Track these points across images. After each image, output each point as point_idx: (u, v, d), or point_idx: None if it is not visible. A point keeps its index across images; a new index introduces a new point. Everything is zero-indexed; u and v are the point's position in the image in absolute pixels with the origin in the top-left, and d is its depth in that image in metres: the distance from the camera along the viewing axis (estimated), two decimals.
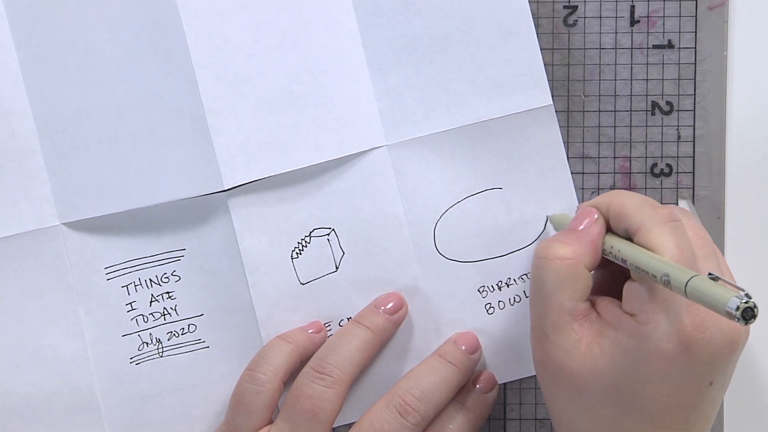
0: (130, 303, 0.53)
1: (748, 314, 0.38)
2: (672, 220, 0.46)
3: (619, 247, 0.47)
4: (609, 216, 0.48)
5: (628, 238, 0.47)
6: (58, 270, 0.53)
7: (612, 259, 0.47)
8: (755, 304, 0.38)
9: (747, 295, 0.39)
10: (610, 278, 0.49)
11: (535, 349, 0.48)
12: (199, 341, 0.54)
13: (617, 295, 0.47)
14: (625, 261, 0.46)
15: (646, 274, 0.44)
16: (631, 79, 0.55)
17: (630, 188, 0.55)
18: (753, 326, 0.56)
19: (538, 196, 0.53)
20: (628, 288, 0.46)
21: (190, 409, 0.54)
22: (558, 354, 0.46)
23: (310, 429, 0.49)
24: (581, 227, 0.48)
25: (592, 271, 0.48)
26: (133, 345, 0.53)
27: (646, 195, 0.55)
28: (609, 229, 0.49)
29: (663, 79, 0.55)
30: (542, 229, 0.54)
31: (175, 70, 0.52)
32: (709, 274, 0.41)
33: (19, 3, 0.52)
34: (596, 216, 0.49)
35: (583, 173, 0.55)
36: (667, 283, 0.42)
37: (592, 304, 0.47)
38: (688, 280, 0.41)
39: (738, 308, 0.38)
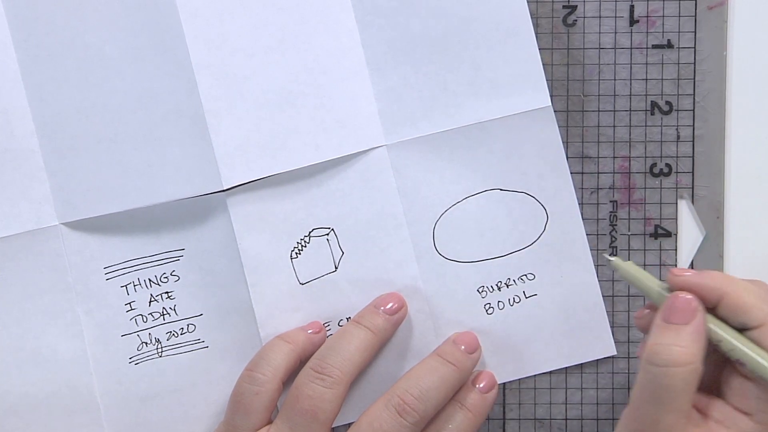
0: (130, 303, 0.53)
1: None
2: None
3: (734, 347, 0.44)
4: (719, 304, 0.46)
5: (741, 328, 0.45)
6: (58, 270, 0.53)
7: (723, 353, 0.45)
8: None
9: None
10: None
11: None
12: (198, 341, 0.54)
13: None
14: (742, 364, 0.44)
15: None
16: (631, 79, 0.55)
17: (629, 188, 0.55)
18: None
19: (538, 196, 0.53)
20: (742, 384, 0.44)
21: (190, 409, 0.54)
22: None
23: (309, 429, 0.49)
24: (688, 322, 0.46)
25: None
26: (133, 345, 0.53)
27: (645, 195, 0.55)
28: (711, 312, 0.47)
29: (662, 79, 0.55)
30: (542, 229, 0.54)
31: (174, 70, 0.52)
32: None
33: (19, 3, 0.52)
34: (696, 305, 0.46)
35: (582, 173, 0.55)
36: None
37: (701, 401, 0.46)
38: None
39: None
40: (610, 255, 0.52)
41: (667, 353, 0.45)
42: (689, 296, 0.46)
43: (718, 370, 0.46)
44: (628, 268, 0.48)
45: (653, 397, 0.45)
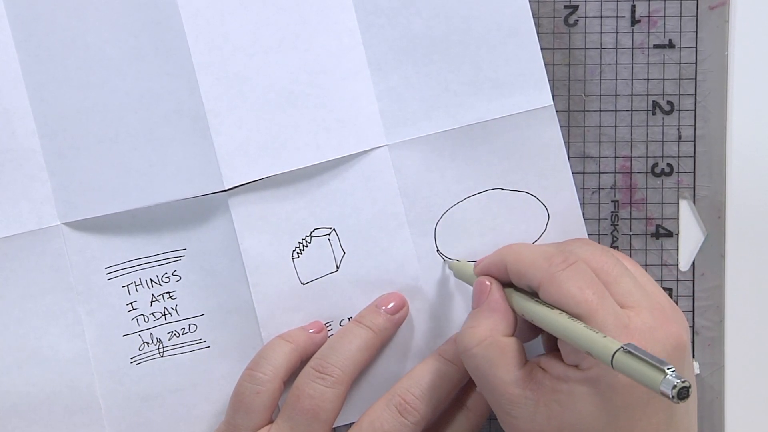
0: (131, 303, 0.53)
1: (684, 393, 0.38)
2: (569, 264, 0.46)
3: (532, 317, 0.46)
4: (509, 274, 0.48)
5: (533, 291, 0.47)
6: (59, 270, 0.53)
7: (531, 322, 0.47)
8: (688, 381, 0.38)
9: (672, 369, 0.38)
10: None
11: (506, 429, 0.48)
12: (199, 341, 0.54)
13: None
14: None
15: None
16: (632, 79, 0.55)
17: (631, 187, 0.55)
18: (756, 328, 0.56)
19: (539, 196, 0.53)
20: (561, 343, 0.46)
21: (191, 409, 0.54)
22: (525, 425, 0.46)
23: (310, 429, 0.49)
24: (483, 302, 0.48)
25: (517, 332, 0.48)
26: (134, 345, 0.53)
27: (646, 195, 0.55)
28: (513, 286, 0.49)
29: (664, 79, 0.55)
30: (543, 229, 0.54)
31: (175, 70, 0.52)
32: (623, 347, 0.40)
33: (19, 3, 0.52)
34: (489, 284, 0.49)
35: (584, 173, 0.55)
36: (592, 356, 0.42)
37: (536, 363, 0.47)
38: (612, 361, 0.41)
39: (674, 387, 0.38)
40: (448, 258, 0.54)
41: (462, 339, 0.48)
42: (481, 278, 0.49)
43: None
44: (458, 267, 0.52)
45: (475, 379, 0.48)
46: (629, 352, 0.40)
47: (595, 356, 0.42)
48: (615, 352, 0.41)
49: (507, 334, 0.47)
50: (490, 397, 0.47)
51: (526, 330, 0.50)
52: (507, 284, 0.49)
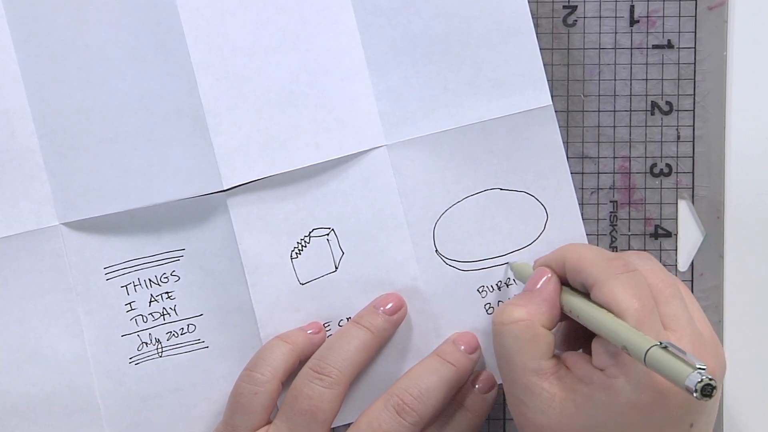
0: (130, 303, 0.53)
1: (708, 390, 0.38)
2: (627, 271, 0.46)
3: (578, 312, 0.46)
4: (566, 270, 0.48)
5: (586, 291, 0.47)
6: (58, 270, 0.53)
7: (574, 319, 0.47)
8: (714, 380, 0.38)
9: (701, 367, 0.39)
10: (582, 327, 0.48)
11: (513, 414, 0.48)
12: (198, 341, 0.54)
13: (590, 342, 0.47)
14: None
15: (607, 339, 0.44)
16: (631, 79, 0.55)
17: (629, 188, 0.55)
18: (755, 328, 0.56)
19: (538, 195, 0.53)
20: (596, 343, 0.46)
21: (190, 409, 0.54)
22: (534, 415, 0.46)
23: (308, 429, 0.49)
24: (536, 287, 0.49)
25: (554, 329, 0.48)
26: (133, 345, 0.53)
27: (645, 195, 0.55)
28: (567, 284, 0.49)
29: (662, 79, 0.55)
30: (542, 229, 0.54)
31: (174, 70, 0.52)
32: (661, 343, 0.41)
33: (19, 3, 0.52)
34: (549, 275, 0.49)
35: (582, 173, 0.55)
36: (628, 352, 0.42)
37: (563, 360, 0.47)
38: (645, 354, 0.41)
39: (699, 382, 0.38)
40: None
41: (500, 312, 0.48)
42: (543, 267, 0.50)
43: (591, 334, 0.47)
44: (518, 268, 0.53)
45: (498, 355, 0.48)
46: (665, 348, 0.40)
47: (630, 351, 0.42)
48: (650, 347, 0.41)
49: (545, 326, 0.47)
50: (507, 379, 0.47)
51: (569, 344, 0.50)
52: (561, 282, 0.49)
